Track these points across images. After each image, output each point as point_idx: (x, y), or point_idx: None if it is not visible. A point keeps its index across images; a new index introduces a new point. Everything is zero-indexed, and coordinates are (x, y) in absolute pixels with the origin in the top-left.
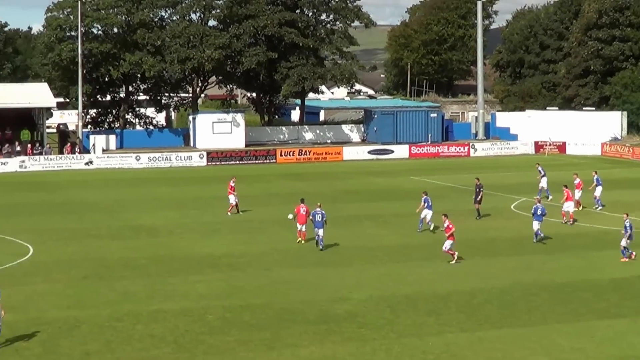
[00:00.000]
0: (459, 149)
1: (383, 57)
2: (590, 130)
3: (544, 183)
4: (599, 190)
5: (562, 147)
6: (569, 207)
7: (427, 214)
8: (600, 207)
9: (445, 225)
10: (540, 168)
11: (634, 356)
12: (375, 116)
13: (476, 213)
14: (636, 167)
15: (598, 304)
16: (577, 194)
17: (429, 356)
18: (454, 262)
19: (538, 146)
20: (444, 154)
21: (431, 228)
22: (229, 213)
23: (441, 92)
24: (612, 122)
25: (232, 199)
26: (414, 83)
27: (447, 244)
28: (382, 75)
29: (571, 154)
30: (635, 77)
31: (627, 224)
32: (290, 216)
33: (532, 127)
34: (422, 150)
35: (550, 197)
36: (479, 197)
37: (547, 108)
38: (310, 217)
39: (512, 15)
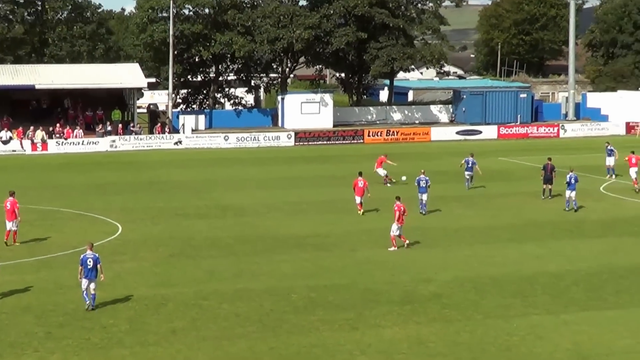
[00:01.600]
0: (548, 130)
1: (474, 37)
2: None
3: (610, 162)
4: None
5: None
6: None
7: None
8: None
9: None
10: (610, 147)
11: None
12: (464, 97)
13: (547, 193)
14: None
15: None
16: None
17: (514, 338)
18: (394, 248)
19: (629, 127)
20: (533, 134)
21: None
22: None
23: (531, 73)
24: None
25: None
26: (504, 63)
27: (394, 228)
28: (472, 56)
29: None
30: None
31: None
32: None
33: (624, 107)
34: (511, 131)
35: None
36: (552, 177)
37: None
38: (415, 183)
39: None
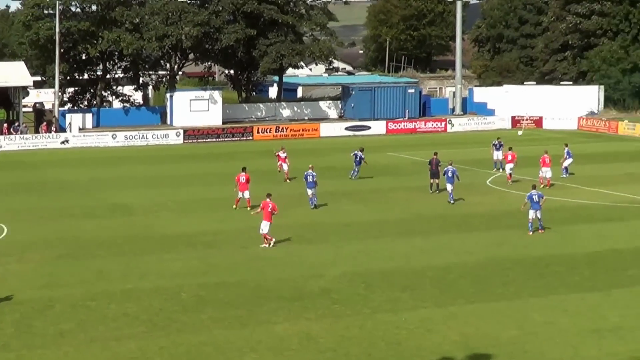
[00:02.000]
0: (436, 125)
1: (363, 34)
2: (567, 105)
3: (498, 156)
4: (567, 162)
5: (538, 121)
6: (546, 172)
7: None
8: (565, 176)
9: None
10: (500, 142)
11: (606, 329)
12: (353, 92)
13: (435, 187)
14: (612, 141)
15: (571, 277)
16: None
17: (403, 331)
18: (266, 245)
19: (515, 121)
20: (421, 129)
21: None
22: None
23: (419, 68)
24: (589, 97)
25: (286, 167)
26: (392, 59)
27: (264, 225)
28: (360, 52)
29: (548, 128)
30: (614, 51)
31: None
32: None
33: (510, 102)
34: (399, 126)
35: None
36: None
37: (525, 83)
38: (303, 179)
39: None
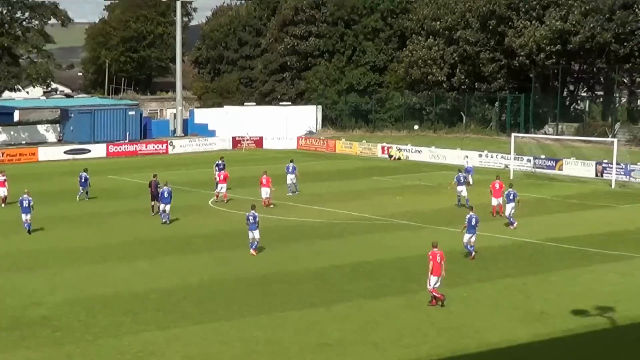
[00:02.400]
0: (157, 147)
1: (82, 56)
2: (286, 125)
3: (465, 192)
4: (289, 178)
5: (259, 141)
6: (266, 193)
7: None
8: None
9: None
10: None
11: (327, 344)
12: (72, 115)
13: (156, 209)
14: (330, 159)
15: (293, 294)
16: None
17: (126, 356)
18: None
19: (235, 141)
20: (142, 151)
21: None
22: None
23: (140, 90)
24: (308, 116)
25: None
26: (112, 81)
27: None
28: (80, 74)
29: (268, 148)
30: (330, 72)
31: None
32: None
33: (230, 122)
34: (120, 148)
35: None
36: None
37: (245, 104)
38: (18, 204)
39: (212, 12)
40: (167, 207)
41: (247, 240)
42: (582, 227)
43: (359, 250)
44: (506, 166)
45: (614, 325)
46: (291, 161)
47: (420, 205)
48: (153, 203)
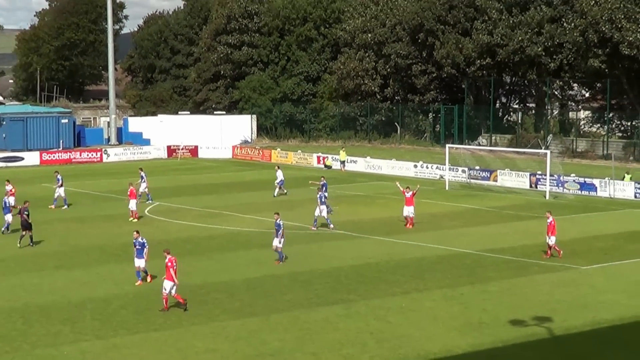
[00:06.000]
0: (92, 155)
1: (13, 62)
2: (221, 134)
3: (143, 188)
4: (142, 186)
5: (194, 150)
6: (132, 205)
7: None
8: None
9: None
10: (142, 174)
11: (267, 353)
12: (4, 122)
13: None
14: (265, 168)
15: (232, 304)
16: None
17: None
18: None
19: (170, 150)
20: (76, 160)
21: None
22: None
23: (72, 98)
24: (243, 126)
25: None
26: (44, 88)
27: None
28: (11, 81)
29: (204, 157)
30: (263, 81)
31: (279, 223)
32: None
33: (165, 131)
34: (54, 156)
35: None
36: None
37: (179, 112)
38: None
39: (144, 20)
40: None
41: (185, 249)
42: (518, 237)
43: (295, 260)
44: (441, 177)
45: (551, 335)
46: (141, 169)
47: (356, 215)
48: (24, 233)
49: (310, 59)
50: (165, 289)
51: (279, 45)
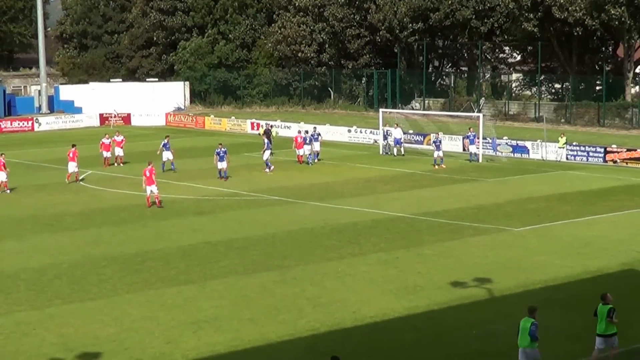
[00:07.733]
0: (23, 124)
1: None
2: (154, 101)
3: (168, 156)
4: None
5: (127, 118)
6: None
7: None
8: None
9: None
10: (165, 141)
11: (203, 320)
12: None
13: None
14: (200, 135)
15: (167, 272)
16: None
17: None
18: None
19: (103, 118)
20: (7, 129)
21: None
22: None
23: (2, 66)
24: (176, 92)
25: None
26: None
27: None
28: None
29: (136, 125)
30: (199, 45)
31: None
32: None
33: (97, 99)
34: None
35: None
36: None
37: (111, 80)
38: None
39: None
40: None
41: (120, 218)
42: (452, 201)
43: (230, 227)
44: (375, 141)
45: (486, 296)
46: (166, 137)
47: (291, 180)
48: None
49: (246, 24)
50: (150, 191)
51: (213, 9)
